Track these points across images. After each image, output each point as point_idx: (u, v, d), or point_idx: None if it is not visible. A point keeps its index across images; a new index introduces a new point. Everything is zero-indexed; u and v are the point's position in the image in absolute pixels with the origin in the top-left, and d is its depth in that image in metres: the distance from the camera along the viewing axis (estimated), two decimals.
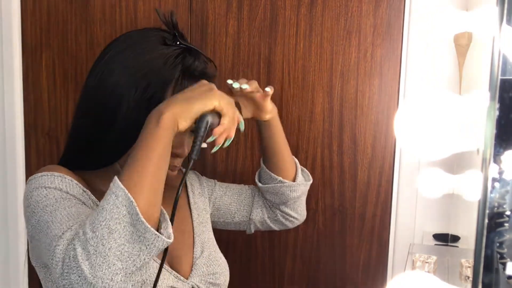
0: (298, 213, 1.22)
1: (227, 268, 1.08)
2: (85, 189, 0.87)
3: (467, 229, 1.45)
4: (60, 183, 0.84)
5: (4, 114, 1.73)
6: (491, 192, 0.59)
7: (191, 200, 1.11)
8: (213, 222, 1.18)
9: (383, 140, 1.54)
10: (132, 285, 0.81)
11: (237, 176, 1.62)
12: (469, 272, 1.16)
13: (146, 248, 0.69)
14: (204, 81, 0.83)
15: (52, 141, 1.74)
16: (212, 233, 1.13)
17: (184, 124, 0.77)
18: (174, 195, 1.08)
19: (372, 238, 1.58)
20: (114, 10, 1.64)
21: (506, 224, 0.60)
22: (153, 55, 0.87)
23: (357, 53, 1.53)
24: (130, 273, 0.69)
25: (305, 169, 1.23)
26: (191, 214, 1.09)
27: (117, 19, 1.64)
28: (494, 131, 0.57)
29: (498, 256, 0.63)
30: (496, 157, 0.58)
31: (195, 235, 1.05)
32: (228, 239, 1.63)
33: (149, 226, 0.69)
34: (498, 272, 0.63)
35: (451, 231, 1.50)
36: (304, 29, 1.55)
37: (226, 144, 0.82)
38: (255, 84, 1.06)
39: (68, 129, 1.73)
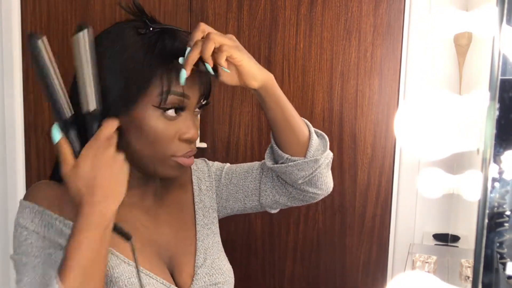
0: (318, 187, 1.02)
1: (232, 275, 1.03)
2: (63, 219, 0.87)
3: (467, 229, 1.46)
4: (39, 223, 0.85)
5: (4, 114, 1.73)
6: (491, 192, 0.59)
7: (196, 199, 1.05)
8: (228, 212, 1.10)
9: (383, 140, 1.54)
10: None
11: None
12: (469, 272, 1.16)
13: None
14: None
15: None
16: (218, 235, 1.07)
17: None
18: (180, 197, 1.04)
19: (372, 238, 1.58)
20: (114, 10, 1.64)
21: (506, 224, 0.60)
22: (132, 50, 0.85)
23: (357, 53, 1.53)
24: None
25: (324, 136, 1.03)
26: (195, 216, 1.04)
27: (117, 19, 1.64)
28: (494, 131, 0.57)
29: (498, 256, 0.63)
30: (496, 157, 0.58)
31: (197, 241, 1.00)
32: (228, 239, 1.63)
33: None
34: (498, 272, 0.63)
35: (451, 231, 1.50)
36: (304, 29, 1.55)
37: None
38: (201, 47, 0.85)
39: None
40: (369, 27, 1.51)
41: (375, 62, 1.52)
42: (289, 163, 0.97)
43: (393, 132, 1.52)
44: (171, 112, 0.86)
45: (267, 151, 1.03)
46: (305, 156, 0.97)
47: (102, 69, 0.84)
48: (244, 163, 1.12)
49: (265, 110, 0.96)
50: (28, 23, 1.70)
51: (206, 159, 1.12)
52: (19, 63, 1.72)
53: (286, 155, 0.98)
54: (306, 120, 1.00)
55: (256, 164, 1.09)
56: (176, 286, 0.93)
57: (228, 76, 0.90)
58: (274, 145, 1.00)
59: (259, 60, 1.60)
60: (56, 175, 0.93)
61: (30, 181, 1.75)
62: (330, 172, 1.05)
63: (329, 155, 1.02)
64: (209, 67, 0.84)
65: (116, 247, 0.89)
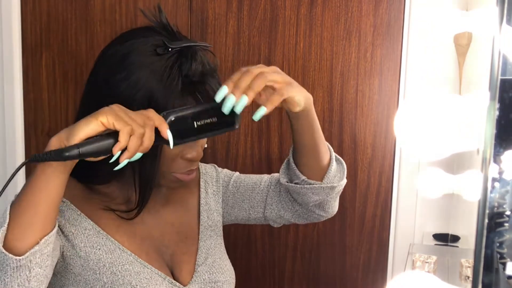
0: (325, 211, 1.04)
1: (233, 276, 1.03)
2: (68, 202, 0.88)
3: (467, 229, 1.46)
4: None
5: (4, 114, 1.73)
6: (491, 192, 0.59)
7: (202, 201, 1.05)
8: (232, 220, 1.11)
9: (383, 140, 1.54)
10: None
11: None
12: (469, 272, 1.16)
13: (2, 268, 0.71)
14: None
15: None
16: (221, 238, 1.07)
17: None
18: (186, 197, 1.04)
19: (372, 238, 1.58)
20: (114, 10, 1.64)
21: (506, 224, 0.60)
22: (145, 72, 0.83)
23: (357, 53, 1.53)
24: None
25: (342, 163, 1.02)
26: (199, 216, 1.04)
27: (117, 19, 1.64)
28: (494, 131, 0.57)
29: (498, 256, 0.63)
30: (496, 157, 0.58)
31: (200, 241, 1.01)
32: (228, 239, 1.63)
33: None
34: (498, 272, 0.63)
35: (451, 231, 1.50)
36: (304, 29, 1.55)
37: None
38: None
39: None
40: (369, 27, 1.51)
41: (375, 62, 1.52)
42: (305, 185, 0.97)
43: (393, 132, 1.52)
44: None
45: (283, 166, 1.02)
46: (321, 181, 0.97)
47: (109, 89, 0.83)
48: (253, 174, 1.12)
49: (296, 131, 0.94)
50: (28, 23, 1.70)
51: (215, 165, 1.13)
52: (19, 63, 1.72)
53: (303, 177, 0.97)
54: (329, 145, 1.01)
55: (265, 176, 1.10)
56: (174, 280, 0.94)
57: (269, 101, 0.86)
58: (293, 164, 0.98)
59: (259, 61, 1.60)
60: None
61: None
62: (338, 197, 1.06)
63: (344, 183, 1.02)
64: (263, 110, 0.83)
65: (111, 232, 0.90)
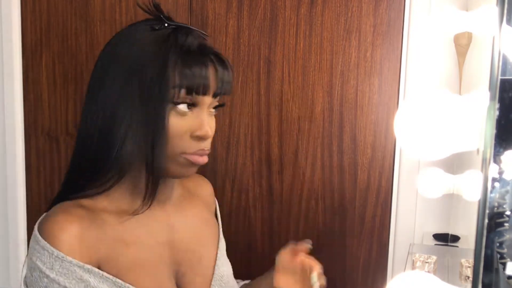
0: None
1: None
2: (82, 265, 0.81)
3: (467, 229, 1.45)
4: (59, 271, 0.80)
5: (4, 114, 1.73)
6: (491, 192, 0.59)
7: (219, 214, 1.05)
8: None
9: (383, 140, 1.54)
10: None
11: (237, 176, 1.62)
12: (469, 272, 1.16)
13: None
14: None
15: (52, 141, 1.74)
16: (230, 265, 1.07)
17: None
18: (205, 213, 1.03)
19: (372, 238, 1.58)
20: (114, 10, 1.64)
21: (506, 224, 0.60)
22: (145, 42, 0.85)
23: (357, 53, 1.53)
24: None
25: None
26: (218, 239, 1.02)
27: (117, 19, 1.64)
28: (494, 131, 0.57)
29: (498, 256, 0.63)
30: (496, 157, 0.58)
31: (216, 266, 0.98)
32: (229, 240, 1.63)
33: None
34: (498, 272, 0.63)
35: (451, 231, 1.50)
36: (304, 29, 1.55)
37: None
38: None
39: (68, 129, 1.73)
40: (369, 27, 1.51)
41: (375, 62, 1.52)
42: None
43: (393, 132, 1.51)
44: (182, 107, 0.84)
45: None
46: None
47: (112, 60, 0.85)
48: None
49: None
50: (28, 23, 1.70)
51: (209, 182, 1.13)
52: (19, 63, 1.72)
53: None
54: None
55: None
56: None
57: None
58: None
59: (259, 61, 1.60)
60: (67, 189, 0.90)
61: (30, 181, 1.75)
62: None
63: None
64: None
65: (124, 272, 0.85)
